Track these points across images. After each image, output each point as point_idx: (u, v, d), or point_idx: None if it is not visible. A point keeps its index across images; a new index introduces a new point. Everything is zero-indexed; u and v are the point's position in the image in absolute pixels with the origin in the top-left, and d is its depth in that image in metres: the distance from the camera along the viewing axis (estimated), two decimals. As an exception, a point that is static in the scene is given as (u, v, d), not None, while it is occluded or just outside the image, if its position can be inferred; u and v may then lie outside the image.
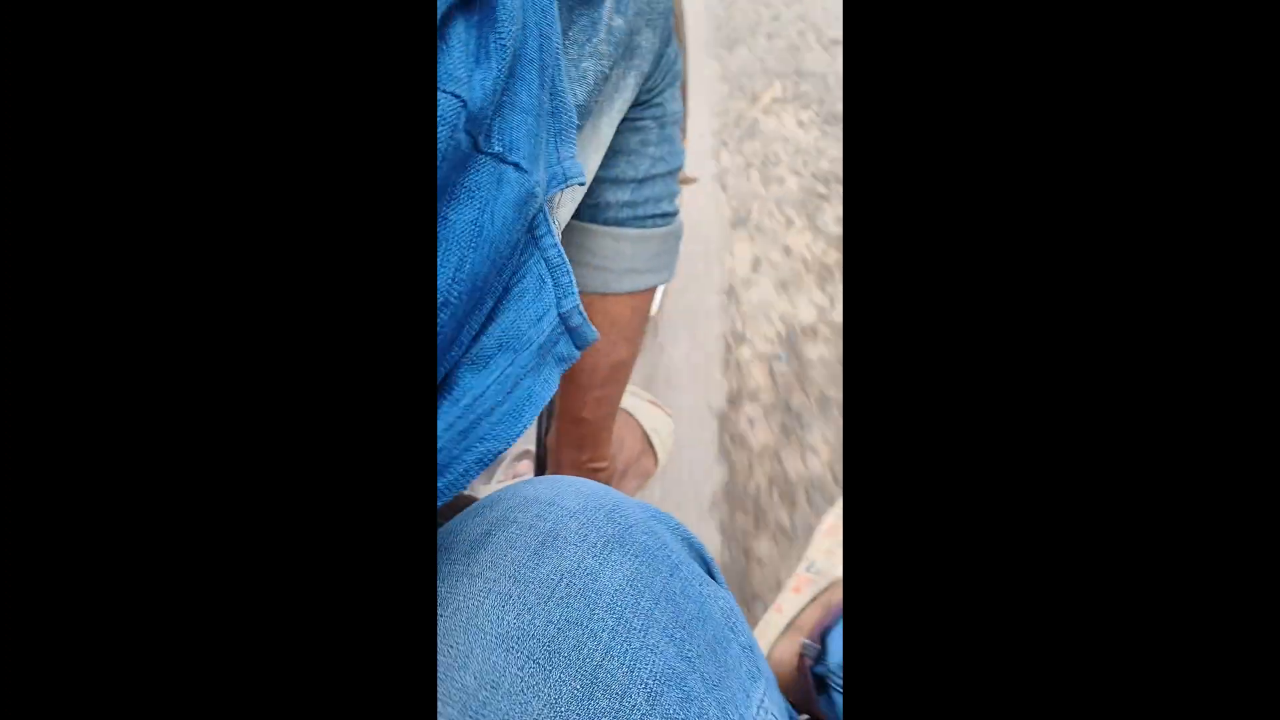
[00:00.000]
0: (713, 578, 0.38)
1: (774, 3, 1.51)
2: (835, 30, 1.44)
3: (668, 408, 0.88)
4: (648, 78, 0.48)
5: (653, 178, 0.54)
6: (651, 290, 0.60)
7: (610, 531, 0.32)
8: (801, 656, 0.63)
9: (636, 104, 0.50)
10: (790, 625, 0.69)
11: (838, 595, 0.69)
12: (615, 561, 0.31)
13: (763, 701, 0.34)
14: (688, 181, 0.87)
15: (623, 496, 0.35)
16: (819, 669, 0.61)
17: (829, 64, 1.37)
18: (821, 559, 0.73)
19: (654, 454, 0.83)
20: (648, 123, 0.53)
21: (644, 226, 0.56)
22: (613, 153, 0.52)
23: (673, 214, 0.58)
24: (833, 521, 0.78)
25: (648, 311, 0.62)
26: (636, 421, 0.81)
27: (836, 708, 0.57)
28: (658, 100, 0.52)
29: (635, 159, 0.53)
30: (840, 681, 0.57)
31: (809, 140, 1.22)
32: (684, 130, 0.85)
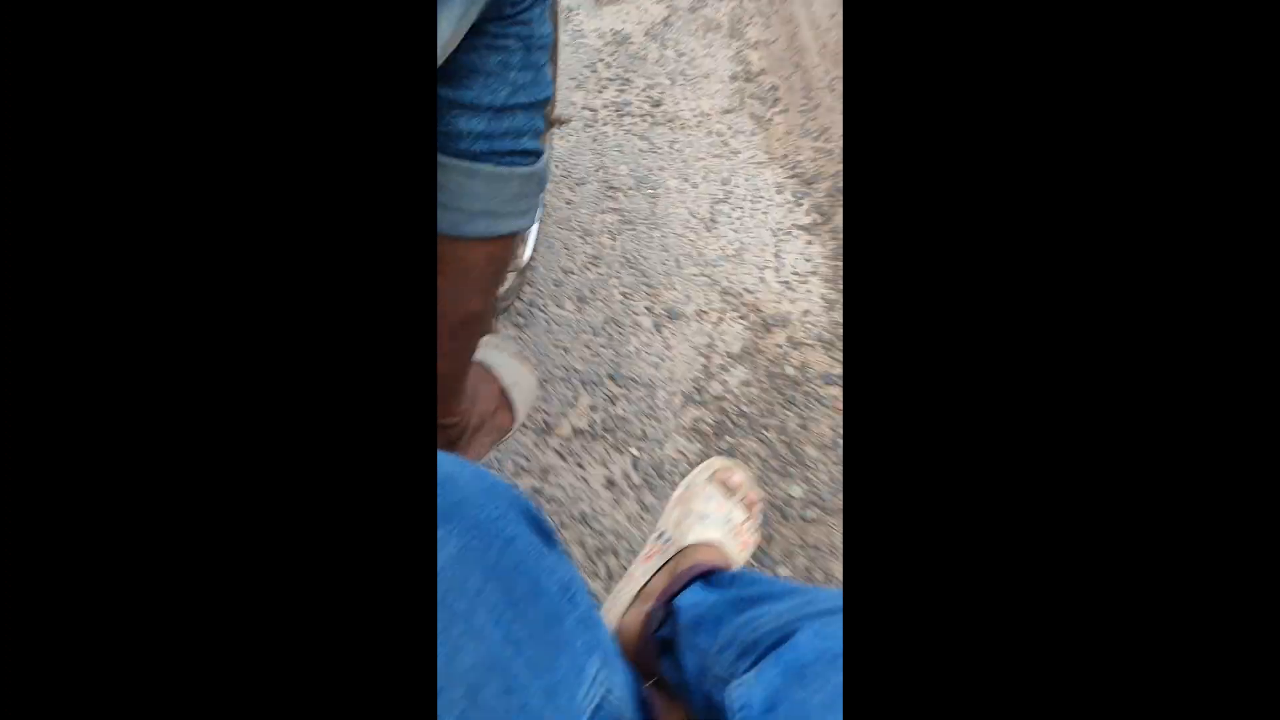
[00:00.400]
0: (553, 547, 0.38)
1: (594, 231, 1.09)
2: (671, 293, 1.05)
3: (531, 362, 0.80)
4: None
5: (513, 108, 0.47)
6: (510, 238, 0.53)
7: (440, 504, 0.30)
8: (647, 621, 0.62)
9: (498, 18, 0.44)
10: (640, 593, 0.69)
11: (685, 562, 0.68)
12: (442, 538, 0.29)
13: (597, 675, 0.35)
14: (560, 122, 0.80)
15: (457, 464, 0.33)
16: (664, 633, 0.59)
17: (662, 359, 0.98)
18: (671, 528, 0.74)
19: (511, 410, 0.77)
20: (510, 42, 0.45)
21: (501, 164, 0.48)
22: (468, 73, 0.45)
23: (536, 153, 0.51)
24: (682, 492, 0.79)
25: (507, 262, 0.57)
26: (494, 375, 0.75)
27: (683, 669, 0.53)
28: (524, 17, 0.45)
29: (494, 83, 0.46)
30: (688, 640, 0.54)
31: (619, 521, 0.83)
32: (554, 60, 0.73)
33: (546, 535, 0.38)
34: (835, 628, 0.39)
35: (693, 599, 0.59)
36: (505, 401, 0.75)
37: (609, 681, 0.36)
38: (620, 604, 0.70)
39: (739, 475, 0.79)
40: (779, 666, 0.38)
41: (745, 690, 0.39)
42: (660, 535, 0.74)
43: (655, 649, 0.60)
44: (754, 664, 0.41)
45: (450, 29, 0.39)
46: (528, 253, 0.91)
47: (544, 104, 0.50)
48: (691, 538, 0.72)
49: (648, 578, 0.70)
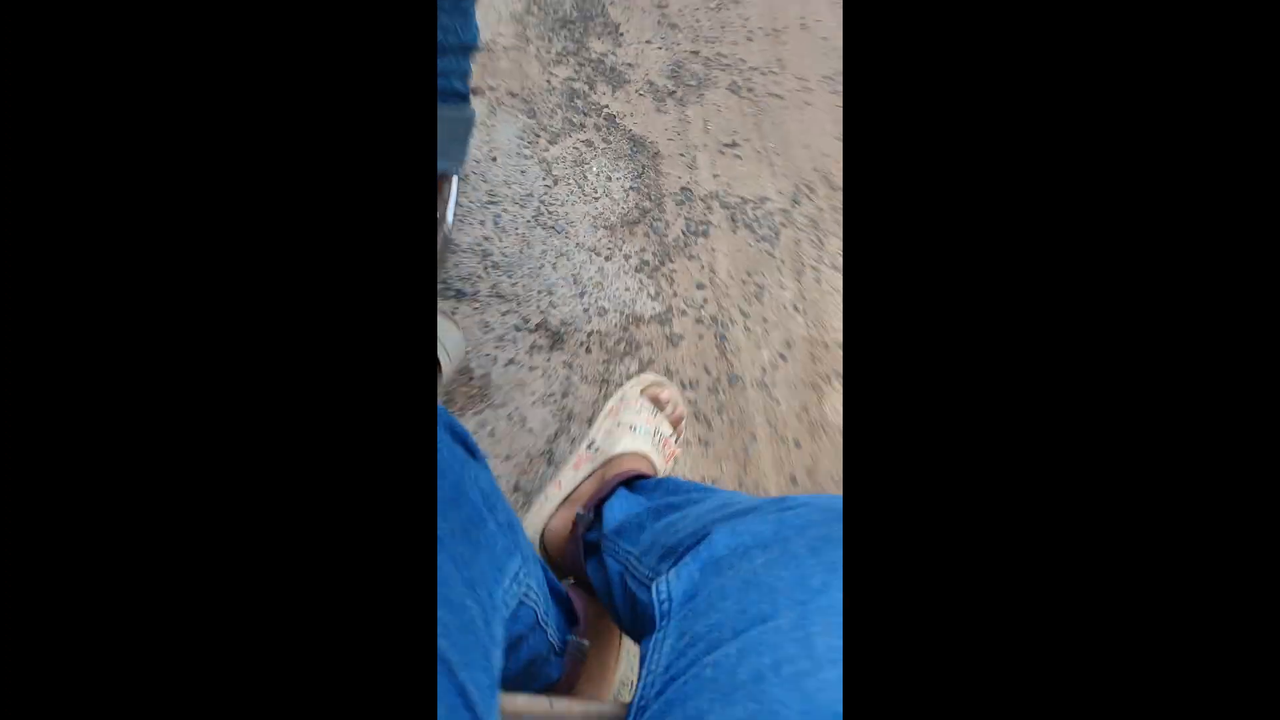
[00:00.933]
0: (474, 458, 0.41)
1: None
2: None
3: (459, 321, 0.85)
4: None
5: (442, 49, 0.51)
6: (440, 181, 0.57)
7: None
8: (575, 524, 0.66)
9: None
10: (568, 498, 0.73)
11: (613, 470, 0.73)
12: None
13: (517, 574, 0.40)
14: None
15: None
16: (591, 535, 0.63)
17: None
18: (601, 438, 0.78)
19: (439, 365, 0.80)
20: None
21: None
22: None
23: (463, 94, 0.56)
24: (614, 404, 0.82)
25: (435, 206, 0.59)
26: None
27: (606, 570, 0.56)
28: None
29: None
30: (611, 545, 0.56)
31: None
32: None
33: (471, 450, 0.40)
34: (746, 525, 0.42)
35: (618, 505, 0.62)
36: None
37: (528, 580, 0.41)
38: (548, 508, 0.72)
39: (668, 391, 0.83)
40: (697, 563, 0.42)
41: (666, 586, 0.42)
42: (590, 444, 0.78)
43: (581, 550, 0.62)
44: (674, 565, 0.43)
45: None
46: (449, 218, 0.91)
47: (471, 48, 0.54)
48: (620, 448, 0.75)
49: (576, 484, 0.74)
